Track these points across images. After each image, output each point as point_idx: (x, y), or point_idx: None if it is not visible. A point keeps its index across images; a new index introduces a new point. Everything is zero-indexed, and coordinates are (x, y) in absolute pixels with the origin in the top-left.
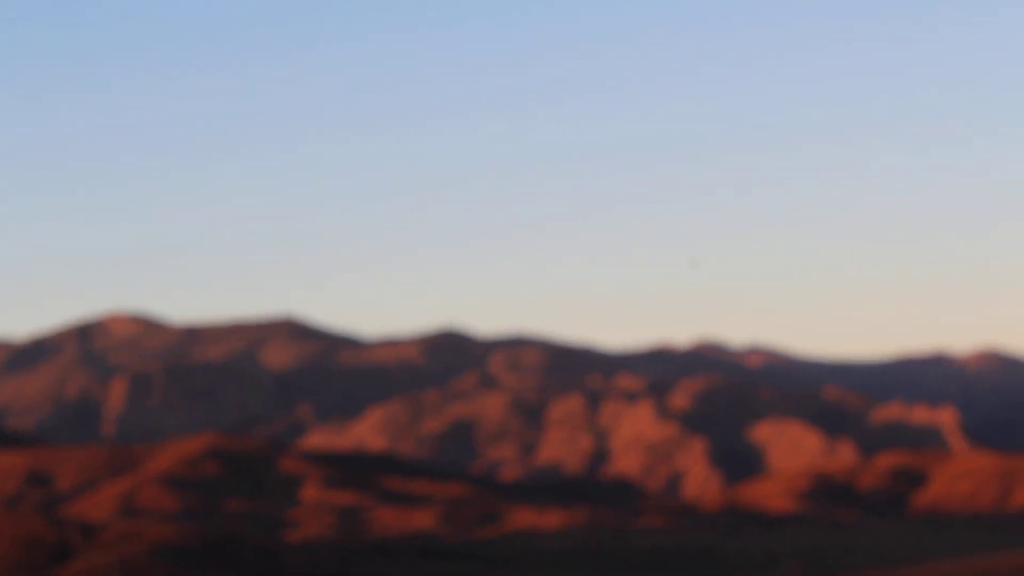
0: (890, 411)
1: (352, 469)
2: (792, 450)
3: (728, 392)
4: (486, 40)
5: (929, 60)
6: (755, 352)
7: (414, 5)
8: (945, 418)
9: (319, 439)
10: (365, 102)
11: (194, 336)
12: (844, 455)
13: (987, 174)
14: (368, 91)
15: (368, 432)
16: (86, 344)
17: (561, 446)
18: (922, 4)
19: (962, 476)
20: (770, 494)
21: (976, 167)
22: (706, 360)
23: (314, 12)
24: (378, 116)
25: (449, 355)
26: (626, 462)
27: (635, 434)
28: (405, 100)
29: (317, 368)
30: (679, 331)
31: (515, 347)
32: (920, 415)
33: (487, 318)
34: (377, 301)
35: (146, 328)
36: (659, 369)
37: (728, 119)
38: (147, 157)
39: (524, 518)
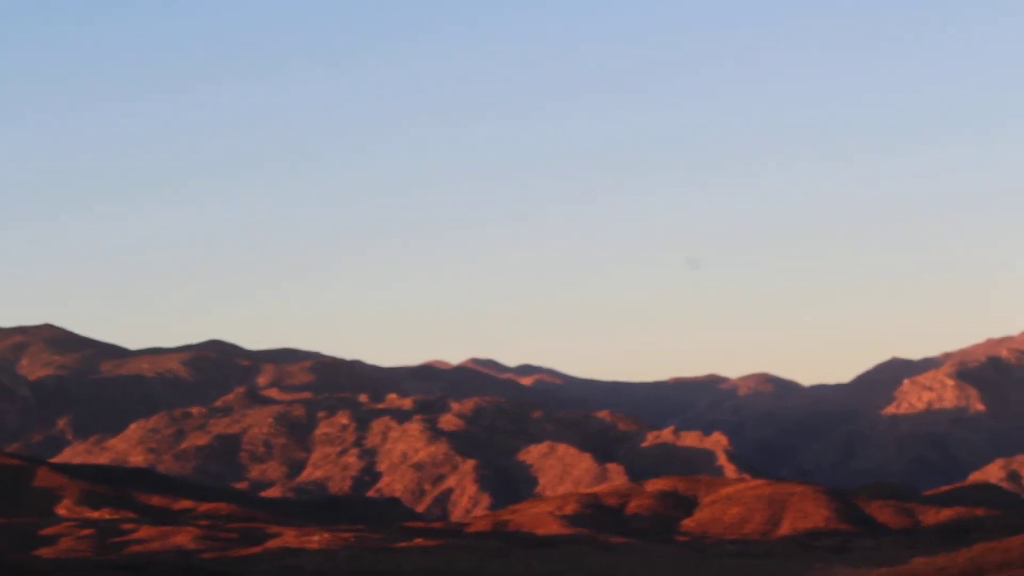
0: (662, 436)
1: (111, 485)
2: (562, 473)
3: (499, 413)
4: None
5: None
6: (527, 372)
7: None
8: (716, 444)
9: (77, 453)
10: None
11: None
12: (614, 479)
13: (759, 202)
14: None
15: (128, 447)
16: None
17: (328, 465)
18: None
19: (731, 502)
20: (538, 517)
21: (747, 194)
22: (477, 379)
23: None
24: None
25: (215, 368)
26: (394, 482)
27: (404, 454)
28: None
29: (77, 379)
30: (451, 349)
31: (284, 362)
32: (691, 440)
33: (256, 331)
34: (142, 311)
35: None
36: (429, 387)
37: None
38: None
39: (287, 537)
